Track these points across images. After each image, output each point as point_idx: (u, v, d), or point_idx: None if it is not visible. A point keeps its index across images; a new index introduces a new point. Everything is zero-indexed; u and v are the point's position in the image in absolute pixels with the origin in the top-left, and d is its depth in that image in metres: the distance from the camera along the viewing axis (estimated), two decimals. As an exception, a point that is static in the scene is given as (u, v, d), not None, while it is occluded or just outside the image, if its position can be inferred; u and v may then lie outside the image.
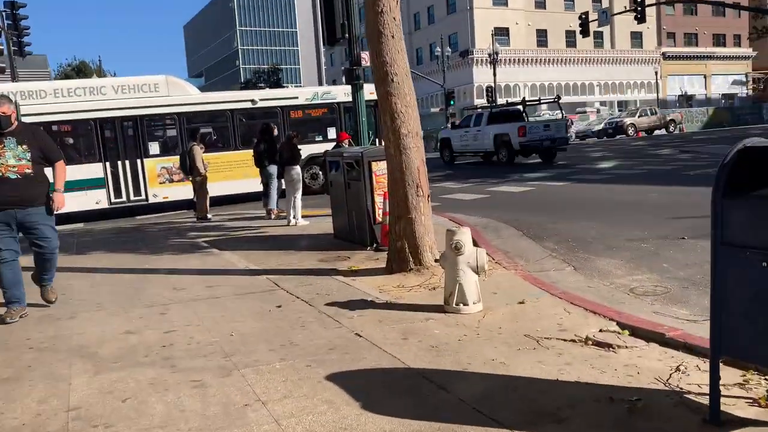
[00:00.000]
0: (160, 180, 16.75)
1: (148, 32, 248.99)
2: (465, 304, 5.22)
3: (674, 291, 5.90)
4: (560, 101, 25.66)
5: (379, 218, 8.54)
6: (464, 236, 5.26)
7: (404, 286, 6.28)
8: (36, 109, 15.22)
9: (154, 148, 16.96)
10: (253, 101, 17.89)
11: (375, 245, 8.54)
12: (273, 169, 12.76)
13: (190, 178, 13.79)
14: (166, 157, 16.81)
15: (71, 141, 16.67)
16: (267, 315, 5.58)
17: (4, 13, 26.10)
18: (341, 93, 18.04)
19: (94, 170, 16.30)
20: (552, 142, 22.94)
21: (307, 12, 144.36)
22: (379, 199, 8.54)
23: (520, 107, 24.60)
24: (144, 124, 16.87)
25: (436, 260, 6.36)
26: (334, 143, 13.08)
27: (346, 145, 12.05)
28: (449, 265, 5.29)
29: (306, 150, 17.04)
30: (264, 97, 18.51)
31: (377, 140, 18.30)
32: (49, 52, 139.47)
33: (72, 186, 15.90)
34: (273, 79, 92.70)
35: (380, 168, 8.56)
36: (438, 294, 5.82)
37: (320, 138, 18.19)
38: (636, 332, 4.59)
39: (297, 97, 18.57)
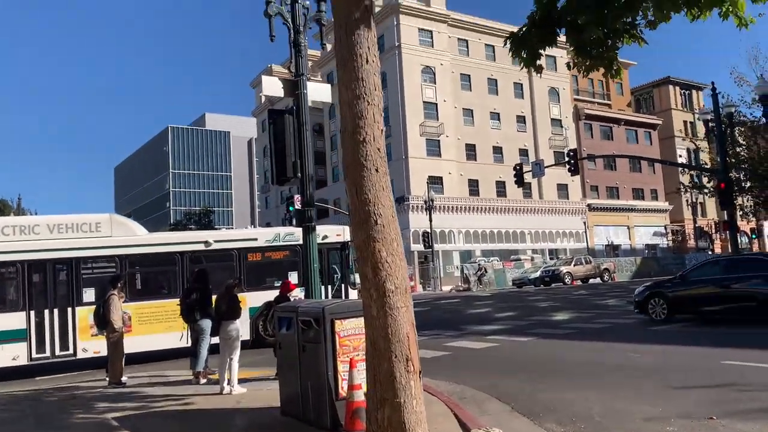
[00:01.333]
0: (93, 332, 14.31)
1: (74, 171, 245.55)
2: None
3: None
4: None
5: (343, 392, 6.82)
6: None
7: (396, 505, 4.50)
8: None
9: (89, 295, 14.72)
10: (206, 243, 16.11)
11: (338, 429, 6.74)
12: (206, 323, 10.91)
13: (104, 334, 11.63)
14: None
15: None
16: None
17: None
18: None
19: (14, 321, 13.93)
20: None
21: (243, 156, 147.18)
22: (343, 368, 6.87)
23: None
24: (80, 268, 14.80)
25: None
26: (278, 294, 11.35)
27: (297, 296, 10.45)
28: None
29: (263, 296, 15.44)
30: (219, 238, 16.75)
31: (343, 288, 16.73)
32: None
33: (-17, 340, 13.71)
34: (204, 221, 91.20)
35: (345, 328, 7.00)
36: None
37: (280, 283, 16.56)
38: None
39: (256, 239, 16.89)
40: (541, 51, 8.09)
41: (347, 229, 17.59)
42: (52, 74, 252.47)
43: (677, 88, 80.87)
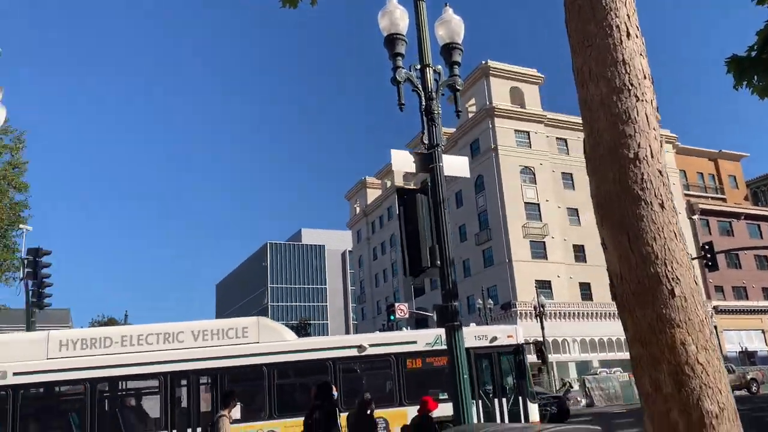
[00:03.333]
0: None
1: (175, 290, 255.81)
2: None
3: None
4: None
5: None
6: None
7: None
8: (97, 361, 12.46)
9: (234, 413, 13.29)
10: (360, 348, 14.44)
11: None
12: (332, 452, 8.66)
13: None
14: (247, 425, 12.89)
15: (134, 403, 13.29)
16: None
17: (25, 260, 24.08)
18: (471, 336, 14.44)
19: None
20: None
21: (337, 268, 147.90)
22: None
23: None
24: (223, 380, 13.38)
25: None
26: (417, 413, 9.00)
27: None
28: None
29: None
30: (374, 342, 14.92)
31: (521, 403, 14.23)
32: (71, 306, 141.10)
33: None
34: (302, 335, 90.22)
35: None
36: None
37: (445, 396, 14.08)
38: None
39: (416, 342, 14.98)
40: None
41: (520, 329, 15.46)
42: (157, 203, 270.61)
43: (799, 177, 74.89)
